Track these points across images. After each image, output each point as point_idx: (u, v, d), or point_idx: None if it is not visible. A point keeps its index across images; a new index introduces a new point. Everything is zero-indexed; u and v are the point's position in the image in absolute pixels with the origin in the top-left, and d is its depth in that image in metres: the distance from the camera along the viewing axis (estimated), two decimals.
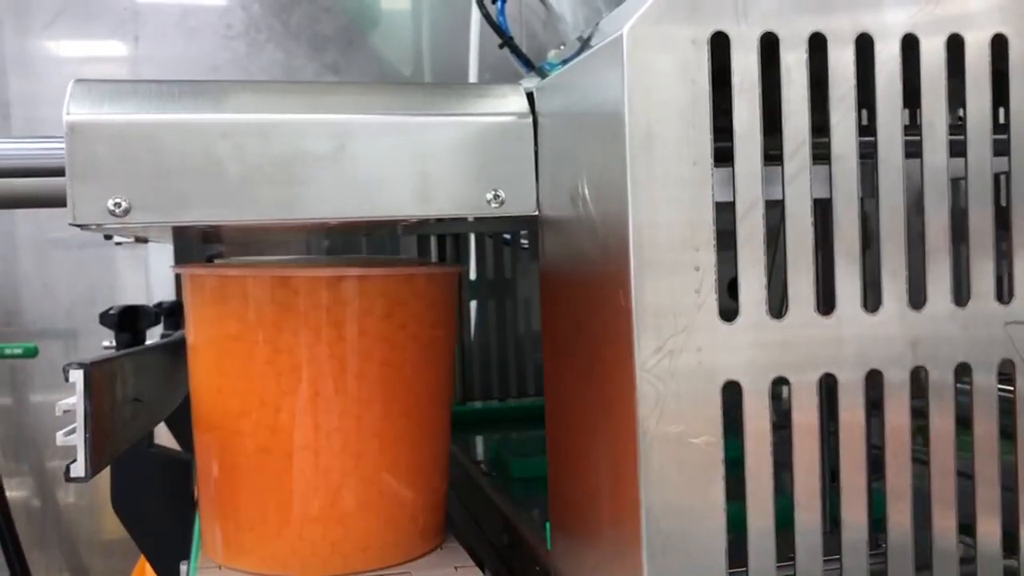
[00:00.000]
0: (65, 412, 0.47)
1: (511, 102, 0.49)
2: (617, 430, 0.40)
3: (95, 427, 0.47)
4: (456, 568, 0.58)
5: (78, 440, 0.46)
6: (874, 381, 0.40)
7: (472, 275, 1.01)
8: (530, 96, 0.50)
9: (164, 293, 1.16)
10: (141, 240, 0.70)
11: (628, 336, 0.38)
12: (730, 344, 0.38)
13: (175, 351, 0.77)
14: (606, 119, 0.40)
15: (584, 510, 0.46)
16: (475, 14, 0.99)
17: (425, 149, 0.47)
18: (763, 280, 0.38)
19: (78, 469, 0.46)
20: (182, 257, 0.91)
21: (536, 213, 0.49)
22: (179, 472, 0.74)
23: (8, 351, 1.24)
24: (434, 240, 0.97)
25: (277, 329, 0.55)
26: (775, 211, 0.39)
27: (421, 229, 0.89)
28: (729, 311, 0.38)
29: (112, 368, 0.52)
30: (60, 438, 0.47)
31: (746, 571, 0.39)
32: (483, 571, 0.58)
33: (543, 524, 0.53)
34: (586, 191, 0.43)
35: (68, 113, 0.44)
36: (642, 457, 0.38)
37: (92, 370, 0.47)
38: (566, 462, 0.48)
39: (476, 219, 0.57)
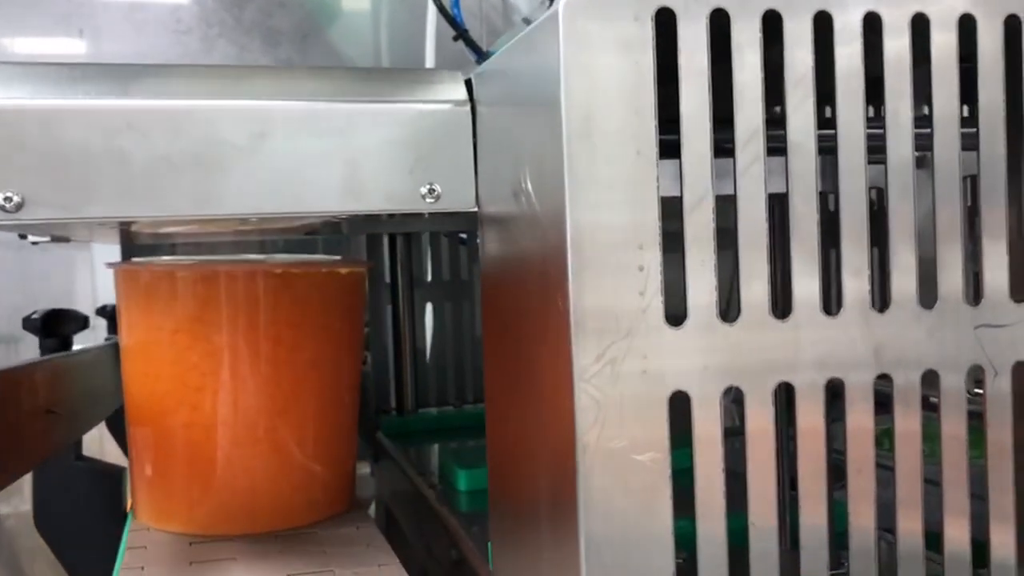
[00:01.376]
0: None
1: (448, 89, 0.46)
2: (555, 445, 0.36)
3: None
4: (357, 527, 0.65)
5: None
6: (835, 389, 0.37)
7: (428, 276, 0.97)
8: (468, 83, 0.46)
9: (111, 296, 1.12)
10: (60, 239, 0.65)
11: (566, 342, 0.34)
12: (677, 351, 0.35)
13: (108, 356, 0.72)
14: (544, 104, 0.36)
15: (524, 529, 0.42)
16: (431, 7, 0.95)
17: (353, 139, 0.44)
18: (713, 281, 0.35)
19: None
20: (129, 258, 0.86)
21: (475, 209, 0.46)
22: (109, 485, 0.69)
23: None
24: (386, 239, 0.93)
25: (199, 318, 0.62)
26: (728, 207, 0.36)
27: (370, 228, 0.85)
28: (676, 315, 0.35)
29: (16, 378, 0.48)
30: None
31: None
32: None
33: (487, 540, 0.49)
34: (529, 185, 0.39)
35: None
36: (581, 475, 0.34)
37: None
38: (505, 478, 0.45)
39: (427, 216, 0.53)
